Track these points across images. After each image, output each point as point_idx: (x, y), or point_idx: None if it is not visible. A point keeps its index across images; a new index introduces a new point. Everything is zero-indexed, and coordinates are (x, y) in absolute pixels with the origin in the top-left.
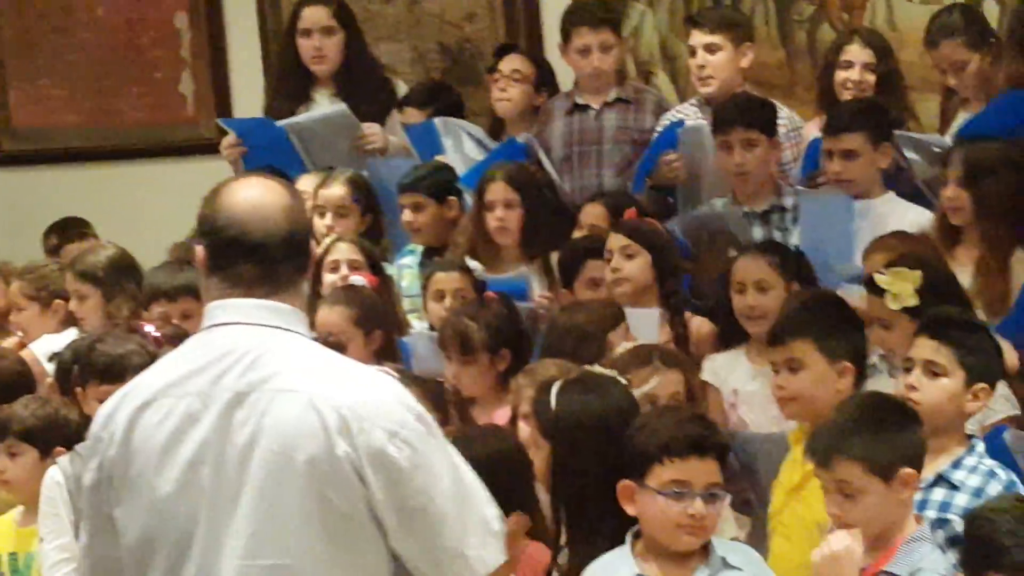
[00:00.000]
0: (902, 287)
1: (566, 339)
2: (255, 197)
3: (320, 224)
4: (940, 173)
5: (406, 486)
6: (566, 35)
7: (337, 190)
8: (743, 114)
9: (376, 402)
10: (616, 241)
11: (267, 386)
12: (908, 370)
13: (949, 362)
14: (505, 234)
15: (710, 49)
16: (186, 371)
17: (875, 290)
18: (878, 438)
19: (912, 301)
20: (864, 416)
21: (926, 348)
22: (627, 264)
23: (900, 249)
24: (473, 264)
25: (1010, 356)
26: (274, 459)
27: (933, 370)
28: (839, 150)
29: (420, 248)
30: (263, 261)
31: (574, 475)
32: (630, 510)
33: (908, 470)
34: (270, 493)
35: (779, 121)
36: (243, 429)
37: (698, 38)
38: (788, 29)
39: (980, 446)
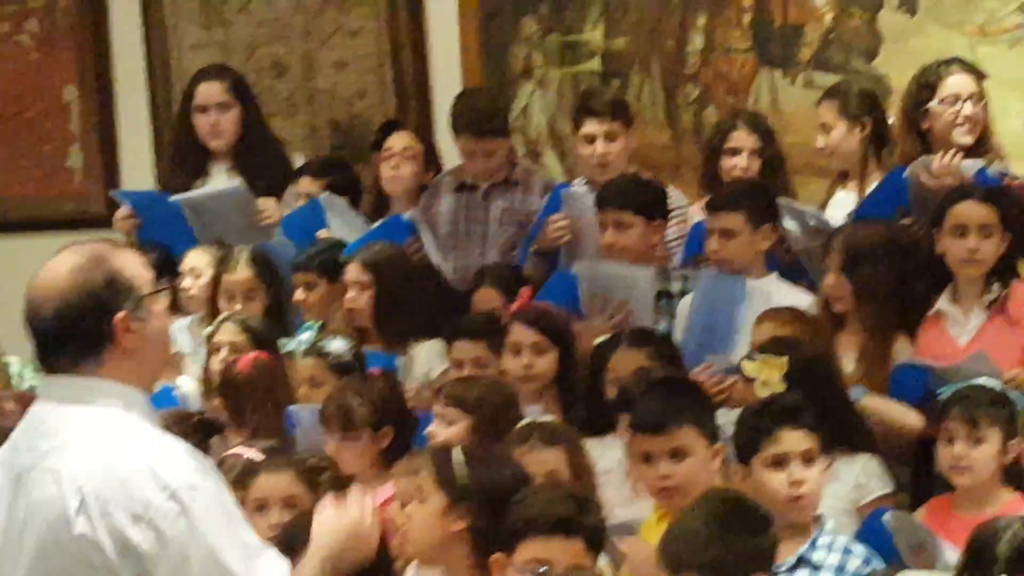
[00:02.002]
0: (769, 374)
1: None
2: (44, 275)
3: (227, 308)
4: (818, 249)
5: (154, 571)
6: (455, 132)
7: (242, 272)
8: (618, 195)
9: (122, 482)
10: (527, 336)
11: (41, 464)
12: (777, 465)
13: (816, 446)
14: (356, 316)
15: (610, 137)
16: (7, 444)
17: (746, 378)
18: (729, 549)
19: (779, 388)
20: (714, 523)
21: (797, 439)
22: (539, 361)
23: (785, 328)
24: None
25: (912, 418)
26: (37, 539)
27: (808, 458)
28: (718, 228)
29: (317, 324)
30: (42, 340)
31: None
32: None
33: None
34: (37, 572)
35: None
36: (21, 506)
37: (595, 127)
38: (674, 110)
39: (829, 523)
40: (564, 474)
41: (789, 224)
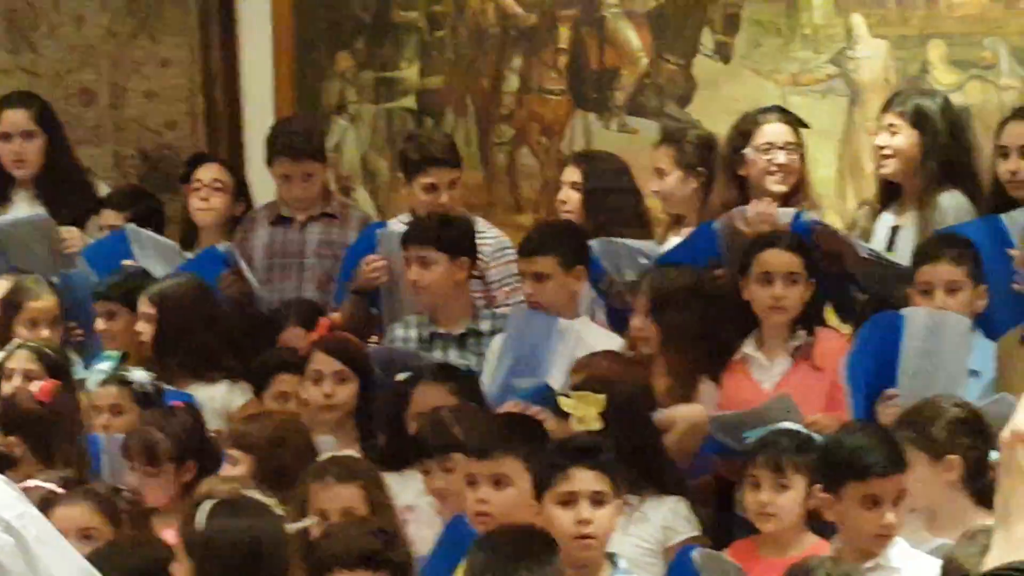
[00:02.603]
0: (586, 411)
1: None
2: None
3: (28, 335)
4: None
5: None
6: (270, 160)
7: (47, 300)
8: (421, 231)
9: None
10: (328, 364)
11: None
12: (566, 503)
13: (609, 488)
14: (145, 347)
15: (452, 185)
16: None
17: (561, 412)
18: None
19: (596, 425)
20: (503, 551)
21: (588, 480)
22: (340, 390)
23: (602, 368)
24: None
25: None
26: None
27: (598, 499)
28: (530, 272)
29: (117, 354)
30: None
31: None
32: None
33: None
34: None
35: (486, 240)
36: None
37: (439, 176)
38: (488, 150)
39: (623, 563)
40: (361, 510)
41: (606, 264)
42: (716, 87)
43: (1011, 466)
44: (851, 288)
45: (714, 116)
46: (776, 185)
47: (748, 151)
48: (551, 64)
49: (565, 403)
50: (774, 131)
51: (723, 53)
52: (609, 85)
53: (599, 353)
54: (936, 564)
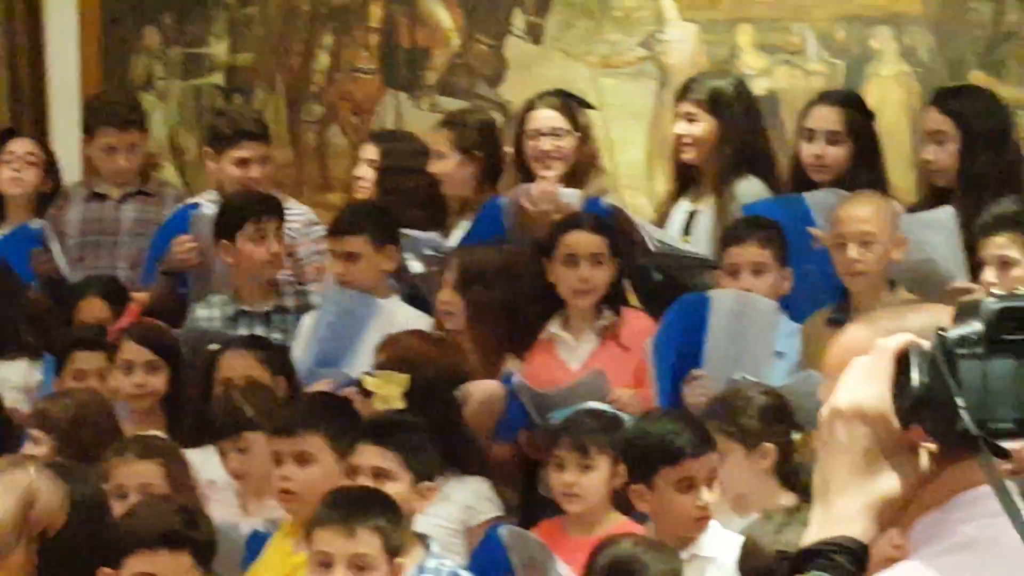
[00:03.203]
0: (389, 390)
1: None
2: None
3: None
4: (436, 276)
5: None
6: (91, 130)
7: None
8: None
9: None
10: (139, 354)
11: None
12: (352, 476)
13: (396, 466)
14: None
15: (264, 160)
16: None
17: (365, 392)
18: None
19: (398, 404)
20: (339, 505)
21: (372, 454)
22: (151, 379)
23: (409, 347)
24: None
25: None
26: None
27: (382, 475)
28: (341, 251)
29: None
30: None
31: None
32: None
33: (399, 560)
34: None
35: (293, 216)
36: None
37: (251, 151)
38: (298, 128)
39: (435, 546)
40: (161, 487)
41: (405, 253)
42: (527, 68)
43: (830, 442)
44: (650, 270)
45: (525, 97)
46: (544, 171)
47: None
48: (362, 43)
49: (368, 382)
50: (541, 117)
51: (534, 34)
52: (420, 65)
53: (406, 332)
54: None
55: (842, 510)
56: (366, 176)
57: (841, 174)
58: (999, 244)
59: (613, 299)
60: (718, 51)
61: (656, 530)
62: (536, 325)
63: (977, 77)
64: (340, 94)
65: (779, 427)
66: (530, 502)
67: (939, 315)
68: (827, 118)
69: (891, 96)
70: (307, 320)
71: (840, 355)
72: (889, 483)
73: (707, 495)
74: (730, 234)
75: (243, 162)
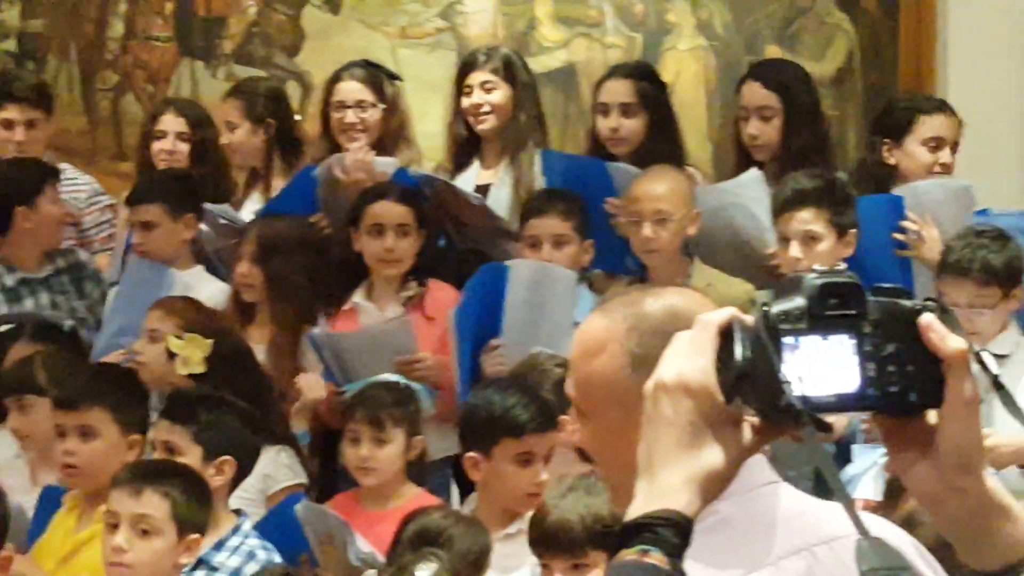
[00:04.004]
0: (192, 353)
1: None
2: None
3: None
4: (231, 249)
5: None
6: None
7: None
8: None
9: None
10: None
11: None
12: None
13: (187, 441)
14: None
15: (31, 124)
16: None
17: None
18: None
19: (199, 368)
20: (136, 469)
21: (162, 429)
22: None
23: (187, 315)
24: None
25: None
26: None
27: (173, 450)
28: (138, 221)
29: None
30: None
31: None
32: None
33: (194, 536)
34: None
35: (79, 187)
36: None
37: (16, 114)
38: (92, 96)
39: (247, 524)
40: None
41: (202, 226)
42: (326, 38)
43: (654, 416)
44: (448, 243)
45: (323, 67)
46: (349, 143)
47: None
48: (157, 10)
49: (173, 343)
50: (346, 89)
51: (333, 5)
52: (217, 33)
53: (176, 297)
54: None
55: (666, 483)
56: (177, 149)
57: (638, 146)
58: (803, 219)
59: (419, 270)
60: (517, 23)
61: (484, 502)
62: (339, 297)
63: (773, 51)
64: (135, 62)
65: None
66: (330, 472)
67: (676, 298)
68: (619, 91)
69: (688, 69)
70: (110, 295)
71: (579, 345)
72: (713, 457)
73: (544, 473)
74: (530, 206)
75: (8, 124)
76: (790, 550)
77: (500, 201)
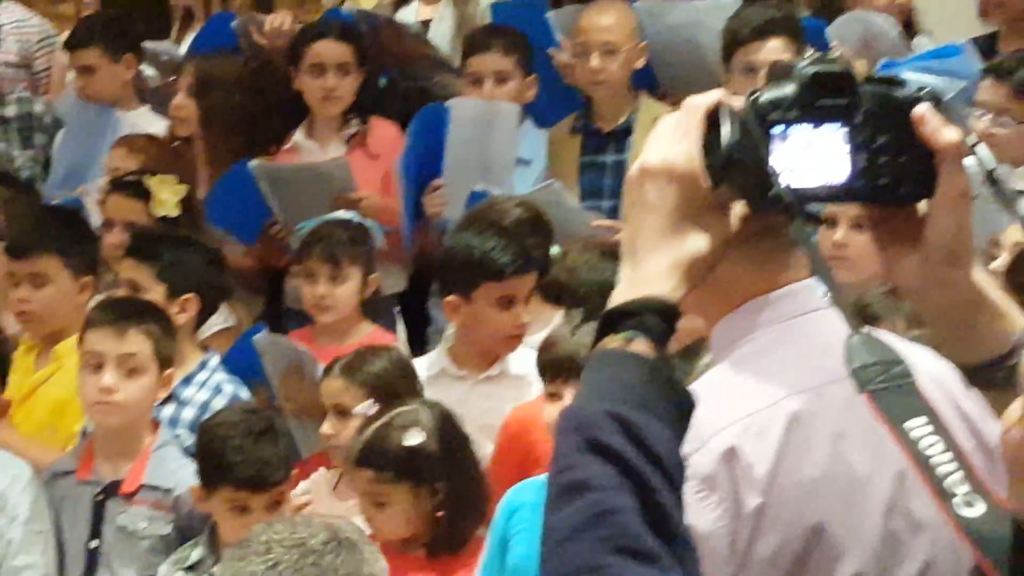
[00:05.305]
0: (169, 195)
1: None
2: None
3: None
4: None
5: None
6: None
7: None
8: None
9: None
10: None
11: None
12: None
13: (147, 278)
14: None
15: None
16: None
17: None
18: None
19: (174, 212)
20: (111, 309)
21: (127, 267)
22: None
23: (150, 152)
24: None
25: None
26: None
27: (137, 288)
28: (78, 65)
29: None
30: None
31: None
32: None
33: (168, 371)
34: None
35: (29, 29)
36: None
37: None
38: None
39: (213, 359)
40: None
41: (144, 67)
42: None
43: (638, 202)
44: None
45: None
46: None
47: None
48: None
49: (150, 180)
50: None
51: None
52: None
53: (138, 135)
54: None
55: (651, 270)
56: None
57: None
58: (773, 48)
59: (361, 108)
60: None
61: (463, 344)
62: (280, 134)
63: None
64: None
65: (535, 239)
66: (275, 312)
67: None
68: None
69: None
70: (57, 139)
71: None
72: (698, 242)
73: (525, 315)
74: (472, 42)
75: None
76: (797, 389)
77: (441, 36)
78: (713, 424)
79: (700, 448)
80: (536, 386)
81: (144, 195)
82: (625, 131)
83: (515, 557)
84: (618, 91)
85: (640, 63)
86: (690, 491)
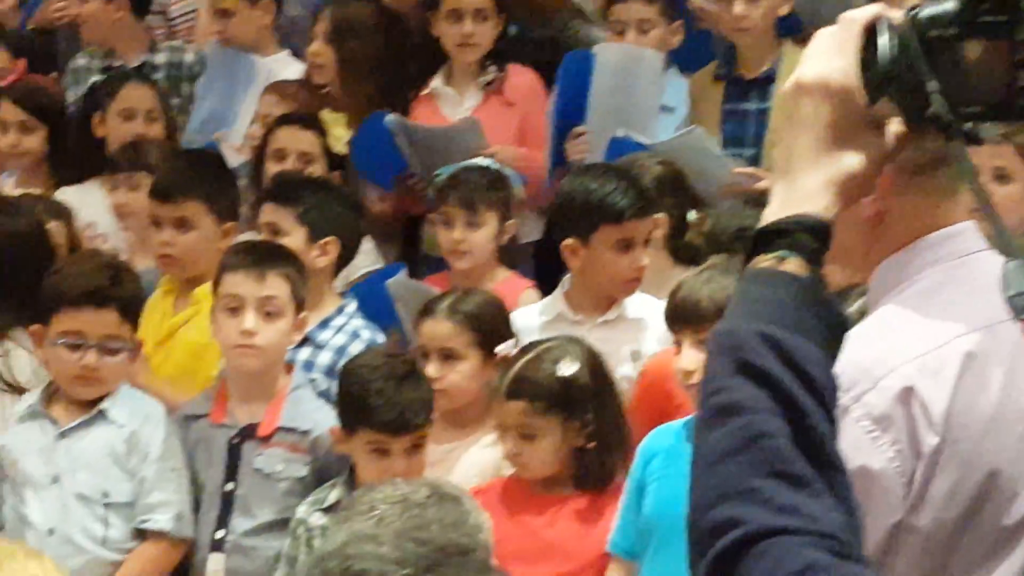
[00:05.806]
0: (342, 133)
1: None
2: None
3: None
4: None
5: None
6: None
7: None
8: None
9: None
10: (15, 114)
11: None
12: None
13: (287, 221)
14: None
15: None
16: None
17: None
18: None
19: (345, 150)
20: (249, 252)
21: (268, 211)
22: (25, 139)
23: (300, 98)
24: None
25: None
26: None
27: (278, 232)
28: (216, 9)
29: None
30: None
31: None
32: (38, 355)
33: (302, 315)
34: None
35: None
36: None
37: None
38: None
39: (351, 305)
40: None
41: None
42: None
43: (793, 118)
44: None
45: None
46: None
47: None
48: None
49: (326, 115)
50: None
51: None
52: None
53: (287, 81)
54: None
55: (805, 187)
56: None
57: None
58: None
59: (498, 54)
60: None
61: (581, 288)
62: (416, 81)
63: None
64: None
65: (672, 199)
66: (411, 258)
67: None
68: None
69: None
70: (198, 86)
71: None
72: (853, 160)
73: (644, 258)
74: None
75: None
76: (970, 328)
77: None
78: (885, 363)
79: (872, 388)
80: (652, 331)
81: (319, 129)
82: (768, 79)
83: (650, 505)
84: (762, 38)
85: (785, 9)
86: (861, 431)
